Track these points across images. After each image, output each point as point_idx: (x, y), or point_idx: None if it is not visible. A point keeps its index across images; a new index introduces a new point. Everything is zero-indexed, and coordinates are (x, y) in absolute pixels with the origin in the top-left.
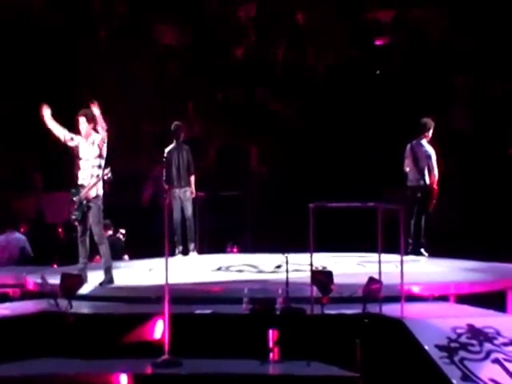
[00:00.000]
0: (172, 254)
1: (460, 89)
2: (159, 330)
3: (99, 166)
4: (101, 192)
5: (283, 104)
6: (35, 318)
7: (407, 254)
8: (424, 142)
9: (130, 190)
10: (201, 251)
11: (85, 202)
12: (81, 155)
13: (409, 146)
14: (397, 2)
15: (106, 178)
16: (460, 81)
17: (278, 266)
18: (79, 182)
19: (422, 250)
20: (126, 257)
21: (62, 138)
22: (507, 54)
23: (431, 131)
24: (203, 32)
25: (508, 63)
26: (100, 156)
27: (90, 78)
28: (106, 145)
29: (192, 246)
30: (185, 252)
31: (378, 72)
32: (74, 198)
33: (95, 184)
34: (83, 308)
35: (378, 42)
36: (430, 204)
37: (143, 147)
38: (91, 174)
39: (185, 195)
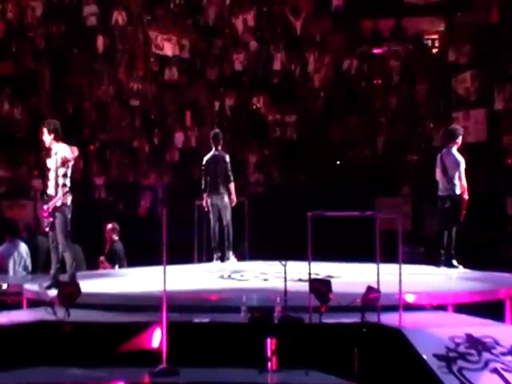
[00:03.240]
0: (210, 260)
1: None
2: (157, 338)
3: (64, 175)
4: (67, 201)
5: (281, 113)
6: (33, 326)
7: (438, 266)
8: (454, 150)
9: (129, 199)
10: (199, 259)
11: (51, 211)
12: (47, 165)
13: (439, 156)
14: (395, 12)
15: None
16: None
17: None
18: (47, 192)
19: (455, 262)
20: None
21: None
22: (505, 62)
23: (460, 138)
24: (201, 41)
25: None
26: (63, 165)
27: (87, 87)
28: (71, 163)
29: (230, 252)
30: (222, 258)
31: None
32: (45, 207)
33: (61, 195)
34: (81, 316)
35: (376, 51)
36: (460, 214)
37: (141, 157)
38: (56, 183)
39: (222, 202)
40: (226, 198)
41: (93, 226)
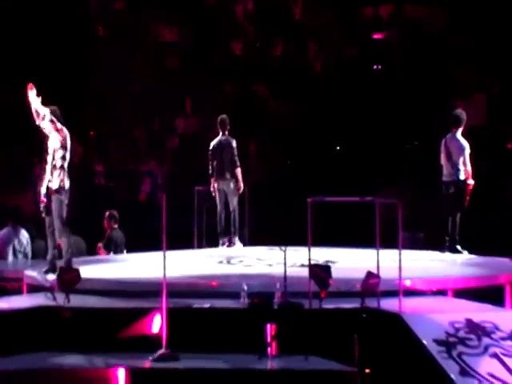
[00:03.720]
0: (216, 245)
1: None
2: (157, 324)
3: (62, 158)
4: (65, 185)
5: (282, 101)
6: (33, 312)
7: (443, 251)
8: (458, 135)
9: (129, 185)
10: (199, 246)
11: (47, 194)
12: (48, 148)
13: (443, 141)
14: None
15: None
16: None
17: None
18: (44, 175)
19: (459, 247)
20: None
21: (36, 121)
22: (507, 49)
23: (464, 122)
24: (201, 28)
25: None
26: (61, 148)
27: (87, 75)
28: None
29: (236, 238)
30: (229, 244)
31: (376, 67)
32: (42, 191)
33: (56, 176)
34: (81, 302)
35: (376, 37)
36: (464, 200)
37: (141, 143)
38: (53, 165)
39: (228, 187)
40: (233, 184)
41: (93, 213)
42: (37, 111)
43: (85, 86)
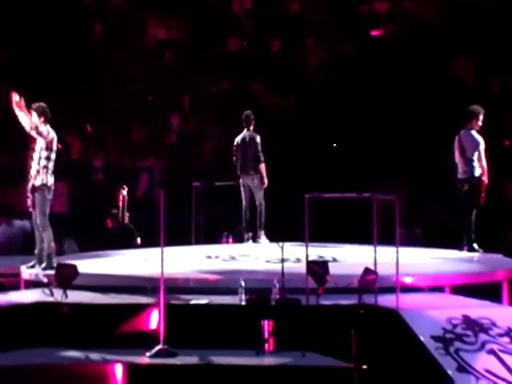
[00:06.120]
0: (241, 240)
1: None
2: (154, 320)
3: (47, 158)
4: (47, 182)
5: (279, 97)
6: (30, 307)
7: (461, 250)
8: (472, 131)
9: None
10: (197, 242)
11: (31, 190)
12: (35, 147)
13: (457, 137)
14: None
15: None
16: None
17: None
18: (30, 172)
19: (476, 246)
20: (139, 240)
21: (26, 128)
22: (505, 43)
23: (481, 118)
24: (199, 24)
25: (506, 53)
26: (47, 148)
27: (84, 73)
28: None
29: (262, 232)
30: (254, 238)
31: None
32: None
33: (40, 174)
34: (78, 298)
35: (374, 33)
36: (479, 197)
37: (139, 140)
38: (38, 164)
39: (253, 183)
40: (257, 179)
41: (92, 210)
42: (34, 127)
43: (82, 83)
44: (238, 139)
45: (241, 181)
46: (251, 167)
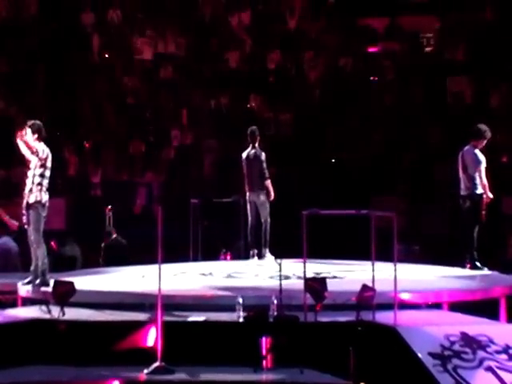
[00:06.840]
0: (247, 257)
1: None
2: (152, 337)
3: (41, 175)
4: (41, 199)
5: (277, 111)
6: (27, 324)
7: (464, 267)
8: (476, 150)
9: (124, 197)
10: (194, 259)
11: (26, 207)
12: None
13: (460, 153)
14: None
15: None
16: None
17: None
18: (25, 189)
19: (478, 264)
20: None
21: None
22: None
23: (486, 139)
24: (197, 40)
25: (503, 70)
26: (42, 166)
27: (81, 89)
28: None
29: (266, 250)
30: (259, 255)
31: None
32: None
33: (34, 191)
34: (75, 315)
35: (371, 50)
36: (480, 214)
37: (136, 155)
38: (32, 181)
39: (258, 199)
40: (262, 196)
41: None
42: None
43: (80, 98)
44: (243, 156)
45: (247, 197)
46: (256, 184)
